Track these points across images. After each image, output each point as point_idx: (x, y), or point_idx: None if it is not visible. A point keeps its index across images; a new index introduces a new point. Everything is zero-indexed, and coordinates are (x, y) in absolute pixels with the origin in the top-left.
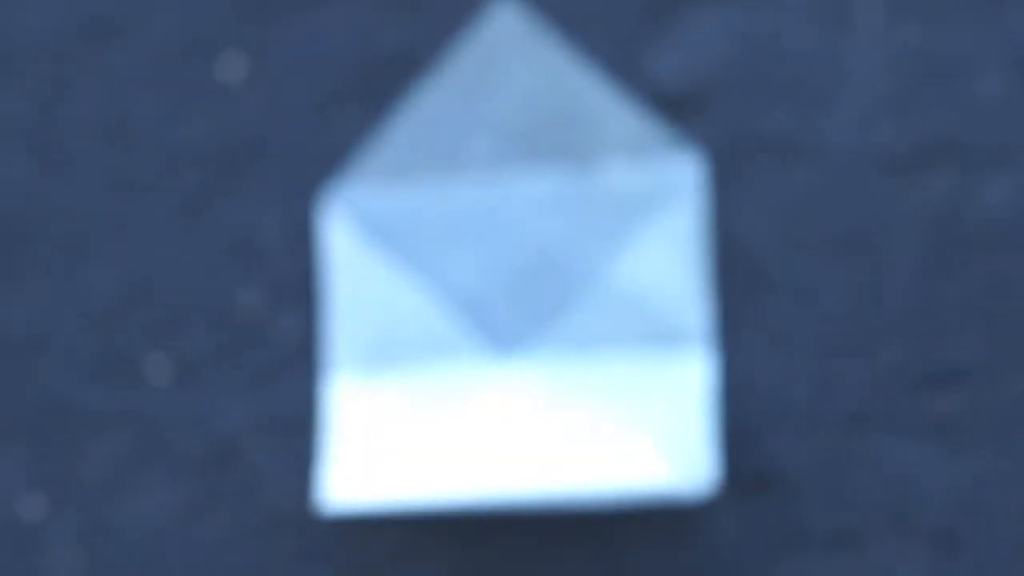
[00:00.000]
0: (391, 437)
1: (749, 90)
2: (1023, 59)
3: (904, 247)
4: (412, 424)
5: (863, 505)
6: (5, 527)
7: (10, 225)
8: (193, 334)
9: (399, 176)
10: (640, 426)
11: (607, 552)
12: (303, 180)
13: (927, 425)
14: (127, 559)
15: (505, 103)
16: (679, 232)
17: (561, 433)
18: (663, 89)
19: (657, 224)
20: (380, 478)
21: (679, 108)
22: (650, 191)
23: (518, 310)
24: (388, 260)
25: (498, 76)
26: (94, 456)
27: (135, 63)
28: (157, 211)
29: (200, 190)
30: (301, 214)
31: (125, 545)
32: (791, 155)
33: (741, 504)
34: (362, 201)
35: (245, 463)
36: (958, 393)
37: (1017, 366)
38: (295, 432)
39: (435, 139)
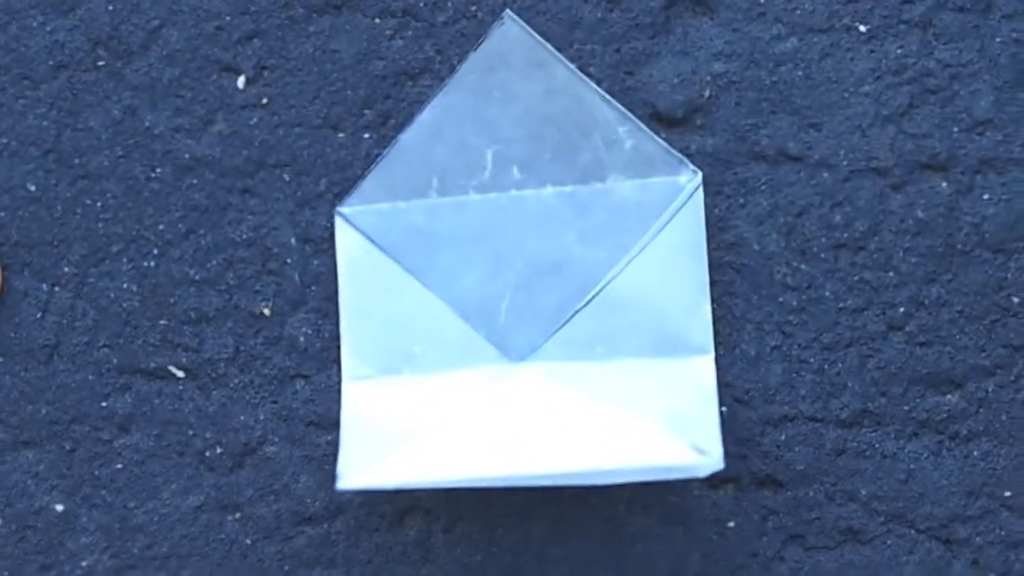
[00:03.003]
0: (403, 427)
1: (745, 103)
2: (1014, 74)
3: (901, 253)
4: (423, 416)
5: (865, 501)
6: (31, 526)
7: (30, 234)
8: (211, 338)
9: (408, 187)
10: (648, 412)
11: (618, 547)
12: (315, 191)
13: (927, 424)
14: (150, 557)
15: (512, 117)
16: (681, 244)
17: (569, 421)
18: (660, 103)
19: (660, 236)
20: (393, 460)
21: (676, 121)
22: (652, 203)
23: (525, 319)
24: (398, 269)
25: (505, 91)
26: (117, 457)
27: (150, 78)
28: (173, 220)
29: (215, 200)
30: (314, 223)
31: (148, 544)
32: (788, 165)
33: (747, 500)
34: (373, 211)
35: (265, 463)
36: (956, 392)
37: (1012, 364)
38: (313, 433)
39: (443, 152)
